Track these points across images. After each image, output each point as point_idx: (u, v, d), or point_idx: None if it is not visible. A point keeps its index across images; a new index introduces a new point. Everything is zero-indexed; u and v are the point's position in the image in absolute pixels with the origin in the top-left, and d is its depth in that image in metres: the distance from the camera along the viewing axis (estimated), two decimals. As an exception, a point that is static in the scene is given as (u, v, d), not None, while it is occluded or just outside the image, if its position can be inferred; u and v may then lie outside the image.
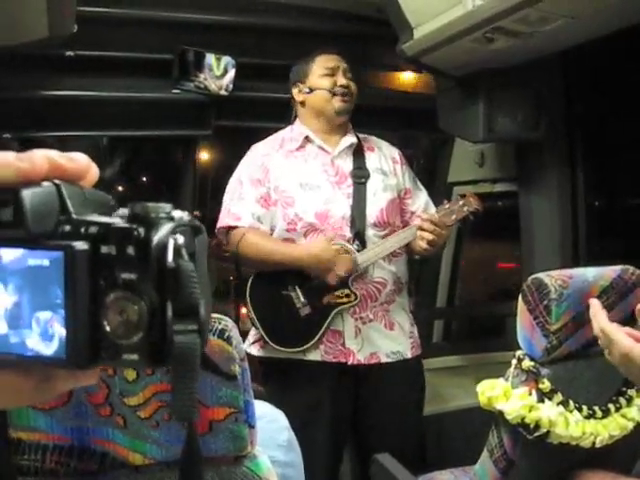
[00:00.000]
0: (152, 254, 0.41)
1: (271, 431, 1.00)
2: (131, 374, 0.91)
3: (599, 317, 1.20)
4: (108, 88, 2.43)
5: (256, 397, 0.99)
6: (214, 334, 0.91)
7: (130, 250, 0.41)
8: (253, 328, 2.27)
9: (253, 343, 2.28)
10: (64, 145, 2.50)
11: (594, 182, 2.61)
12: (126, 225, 0.42)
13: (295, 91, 2.38)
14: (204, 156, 3.54)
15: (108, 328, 0.42)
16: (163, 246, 0.41)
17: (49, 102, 2.36)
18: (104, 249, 0.42)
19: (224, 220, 2.28)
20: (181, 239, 0.42)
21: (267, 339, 2.19)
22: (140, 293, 0.41)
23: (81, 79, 2.39)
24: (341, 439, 2.34)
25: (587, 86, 2.48)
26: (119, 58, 2.44)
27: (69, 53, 2.29)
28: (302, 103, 2.37)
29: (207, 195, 3.28)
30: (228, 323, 0.93)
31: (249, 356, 2.20)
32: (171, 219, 0.43)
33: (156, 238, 0.41)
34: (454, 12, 1.87)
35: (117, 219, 0.43)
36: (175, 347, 0.41)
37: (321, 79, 2.32)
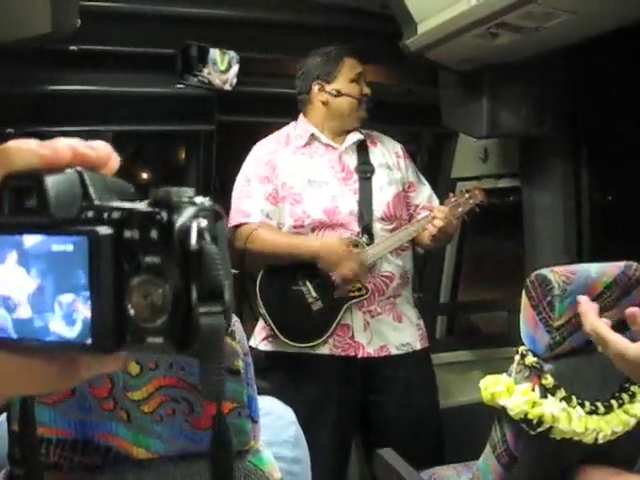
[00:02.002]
0: (175, 237, 0.41)
1: (278, 427, 1.00)
2: (134, 368, 0.91)
3: (590, 316, 1.17)
4: (111, 83, 2.43)
5: (262, 393, 0.99)
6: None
7: (153, 234, 0.42)
8: (261, 323, 2.28)
9: (262, 340, 2.28)
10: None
11: (598, 178, 2.61)
12: (149, 209, 0.42)
13: (316, 88, 2.35)
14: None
15: (133, 312, 0.42)
16: (186, 229, 0.41)
17: (52, 97, 2.35)
18: (127, 233, 0.42)
19: (234, 218, 2.29)
20: (204, 222, 0.42)
21: (278, 334, 2.20)
22: (164, 276, 0.41)
23: (84, 74, 2.39)
24: (349, 434, 2.35)
25: (591, 82, 2.47)
26: (122, 53, 2.44)
27: (72, 48, 2.28)
28: (324, 103, 2.35)
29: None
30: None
31: (256, 352, 2.22)
32: (193, 204, 0.43)
33: (179, 221, 0.42)
34: (458, 7, 1.87)
35: (140, 204, 0.43)
36: (201, 329, 0.41)
37: (351, 85, 2.32)
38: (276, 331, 2.20)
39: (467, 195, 2.32)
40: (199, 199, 0.44)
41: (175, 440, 0.93)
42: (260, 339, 2.29)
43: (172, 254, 0.41)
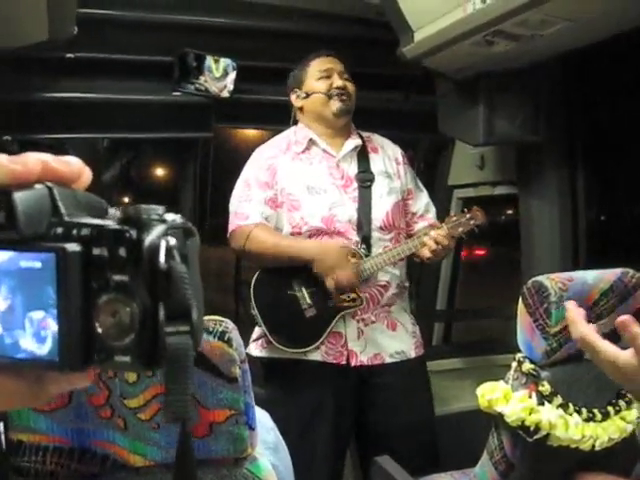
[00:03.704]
0: (144, 256, 0.41)
1: (259, 434, 1.00)
2: (132, 376, 0.91)
3: (578, 323, 1.13)
4: (108, 90, 2.43)
5: (256, 400, 0.99)
6: (215, 336, 0.91)
7: (122, 252, 0.41)
8: (258, 331, 2.28)
9: (257, 347, 2.28)
10: (64, 147, 2.49)
11: (594, 185, 2.61)
12: (118, 227, 0.42)
13: (293, 97, 2.39)
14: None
15: (100, 330, 0.42)
16: (155, 248, 0.41)
17: (49, 104, 2.36)
18: (96, 251, 0.42)
19: (233, 222, 2.28)
20: (173, 241, 0.42)
21: (270, 338, 2.19)
22: (132, 295, 0.41)
23: (81, 81, 2.39)
24: (344, 441, 2.34)
25: (587, 89, 2.48)
26: (119, 60, 2.44)
27: (69, 55, 2.29)
28: (301, 109, 2.38)
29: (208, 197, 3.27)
30: (229, 325, 0.93)
31: (250, 358, 2.22)
32: (163, 221, 0.43)
33: (148, 240, 0.41)
34: (454, 15, 1.87)
35: (109, 221, 0.43)
36: (167, 349, 0.41)
37: (317, 82, 2.32)
38: (268, 334, 2.19)
39: (468, 216, 2.31)
40: (170, 216, 0.44)
41: (172, 447, 0.93)
42: (255, 346, 2.29)
43: (140, 273, 0.41)
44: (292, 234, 2.24)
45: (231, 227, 2.28)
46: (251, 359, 2.23)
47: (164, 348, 0.41)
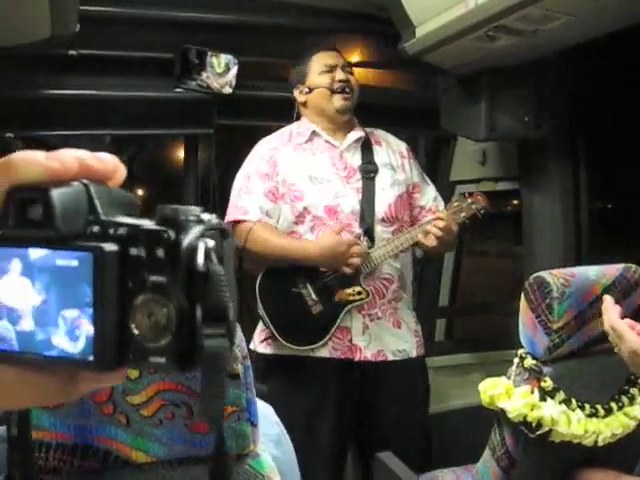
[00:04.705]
0: (182, 257, 0.41)
1: (262, 427, 1.00)
2: (134, 372, 0.91)
3: (610, 313, 1.21)
4: (110, 87, 2.43)
5: (258, 396, 0.99)
6: (216, 332, 0.91)
7: (160, 252, 0.41)
8: (261, 326, 2.28)
9: (262, 342, 2.28)
10: (66, 145, 2.50)
11: (596, 181, 2.61)
12: (156, 227, 0.42)
13: (296, 93, 2.39)
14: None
15: (136, 331, 0.41)
16: (193, 249, 0.41)
17: (52, 101, 2.36)
18: (133, 251, 0.42)
19: (232, 214, 2.28)
20: (211, 242, 0.42)
21: (277, 336, 2.19)
22: (169, 296, 0.41)
23: (84, 78, 2.39)
24: (345, 436, 2.34)
25: (589, 84, 2.48)
26: (121, 57, 2.44)
27: (72, 52, 2.29)
28: (304, 104, 2.38)
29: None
30: (230, 322, 0.93)
31: (254, 354, 2.22)
32: (200, 222, 0.42)
33: (186, 241, 0.41)
34: (456, 10, 1.87)
35: (146, 221, 0.43)
36: (204, 351, 0.41)
37: (319, 77, 2.32)
38: (275, 333, 2.19)
39: (470, 200, 2.30)
40: (206, 216, 0.43)
41: (174, 444, 0.93)
42: (259, 341, 2.29)
43: (178, 274, 0.41)
44: (295, 224, 2.23)
45: (228, 218, 2.28)
46: (255, 355, 2.23)
47: (200, 350, 0.41)
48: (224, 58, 2.46)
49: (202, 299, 0.41)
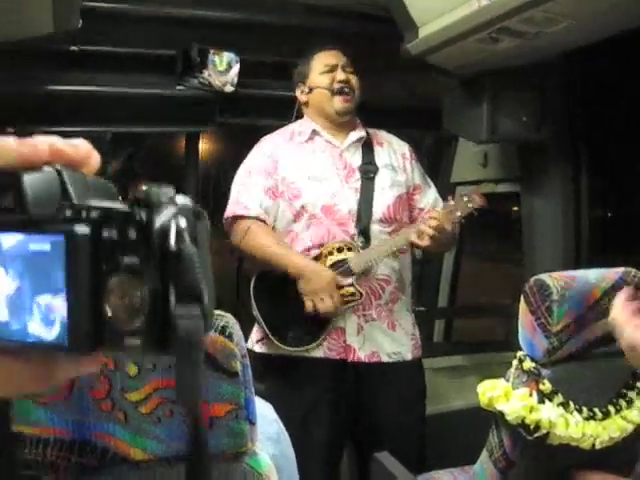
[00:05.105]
0: (154, 238, 0.41)
1: (260, 425, 1.00)
2: (132, 369, 0.91)
3: (618, 305, 1.21)
4: (112, 84, 2.43)
5: (256, 395, 0.99)
6: (215, 330, 0.91)
7: (132, 234, 0.41)
8: (256, 326, 2.27)
9: (257, 342, 2.28)
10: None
11: (597, 183, 2.61)
12: (127, 209, 0.42)
13: (298, 92, 2.39)
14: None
15: (110, 312, 0.41)
16: (165, 229, 0.41)
17: (53, 97, 2.36)
18: (105, 233, 0.41)
19: (232, 209, 2.28)
20: (183, 223, 0.41)
21: (271, 337, 2.19)
22: (142, 277, 0.41)
23: (85, 74, 2.39)
24: (341, 436, 2.33)
25: (591, 87, 2.48)
26: (123, 54, 2.44)
27: (74, 48, 2.29)
28: (306, 103, 2.38)
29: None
30: (229, 319, 0.93)
31: (251, 353, 2.22)
32: (173, 203, 0.42)
33: (158, 222, 0.41)
34: (460, 12, 1.87)
35: (119, 204, 0.43)
36: (178, 332, 0.40)
37: (320, 77, 2.32)
38: (269, 334, 2.19)
39: (465, 199, 2.27)
40: (180, 198, 0.43)
41: (172, 441, 0.93)
42: (255, 341, 2.28)
43: (151, 255, 0.41)
44: (294, 222, 2.23)
45: (228, 213, 2.28)
46: (252, 355, 2.23)
47: (175, 331, 0.40)
48: (226, 56, 2.46)
49: (175, 279, 0.41)
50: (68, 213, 0.42)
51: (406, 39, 2.18)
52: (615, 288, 1.44)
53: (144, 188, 0.42)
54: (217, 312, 0.94)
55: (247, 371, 0.95)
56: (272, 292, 2.23)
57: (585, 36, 1.88)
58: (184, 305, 0.41)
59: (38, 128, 2.36)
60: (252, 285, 2.23)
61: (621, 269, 1.49)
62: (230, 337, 0.92)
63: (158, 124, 2.62)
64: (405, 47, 2.19)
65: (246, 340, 2.10)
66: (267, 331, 2.19)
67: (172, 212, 0.42)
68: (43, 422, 0.90)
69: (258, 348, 2.27)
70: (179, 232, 0.41)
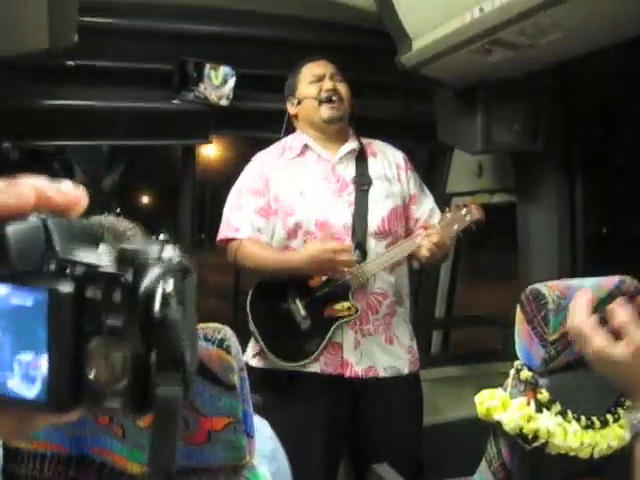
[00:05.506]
0: (139, 301, 0.40)
1: (256, 443, 1.00)
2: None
3: (578, 312, 1.13)
4: (108, 98, 2.44)
5: (254, 408, 0.99)
6: (213, 344, 0.91)
7: (117, 296, 0.41)
8: (253, 340, 2.27)
9: (254, 356, 2.27)
10: (65, 154, 2.50)
11: (592, 193, 2.61)
12: (113, 270, 0.41)
13: (289, 105, 2.40)
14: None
15: (91, 374, 0.41)
16: (151, 294, 0.40)
17: (49, 111, 2.36)
18: (90, 292, 0.41)
19: (223, 232, 2.28)
20: (170, 286, 0.41)
21: (267, 352, 2.18)
22: (125, 340, 0.40)
23: (81, 89, 2.40)
24: (338, 450, 2.32)
25: (585, 98, 2.49)
26: (119, 68, 2.45)
27: (70, 63, 2.30)
28: (296, 116, 2.38)
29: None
30: (227, 332, 0.93)
31: (249, 368, 2.21)
32: (161, 262, 0.42)
33: (144, 285, 0.40)
34: (453, 24, 1.88)
35: (105, 258, 0.42)
36: (156, 398, 0.40)
37: (307, 87, 2.32)
38: (265, 349, 2.18)
39: (463, 211, 2.25)
40: (168, 253, 0.42)
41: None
42: (251, 355, 2.27)
43: (135, 318, 0.40)
44: (288, 239, 2.23)
45: (220, 236, 2.29)
46: (248, 369, 2.22)
47: (154, 397, 0.40)
48: (222, 70, 2.47)
49: (158, 345, 0.40)
50: (52, 267, 0.41)
51: (400, 51, 2.19)
52: (611, 297, 1.45)
53: (131, 245, 0.42)
54: (215, 325, 0.94)
55: (245, 384, 0.95)
56: (267, 306, 2.22)
57: (578, 47, 1.89)
58: (165, 371, 0.41)
59: (34, 143, 2.37)
60: (249, 300, 2.22)
61: (617, 278, 1.49)
62: (228, 350, 0.92)
63: (154, 138, 2.63)
64: (399, 59, 2.20)
65: (243, 354, 2.11)
66: (263, 346, 2.18)
67: (158, 273, 0.41)
68: (41, 437, 0.90)
69: (254, 362, 2.25)
70: (164, 297, 0.41)
